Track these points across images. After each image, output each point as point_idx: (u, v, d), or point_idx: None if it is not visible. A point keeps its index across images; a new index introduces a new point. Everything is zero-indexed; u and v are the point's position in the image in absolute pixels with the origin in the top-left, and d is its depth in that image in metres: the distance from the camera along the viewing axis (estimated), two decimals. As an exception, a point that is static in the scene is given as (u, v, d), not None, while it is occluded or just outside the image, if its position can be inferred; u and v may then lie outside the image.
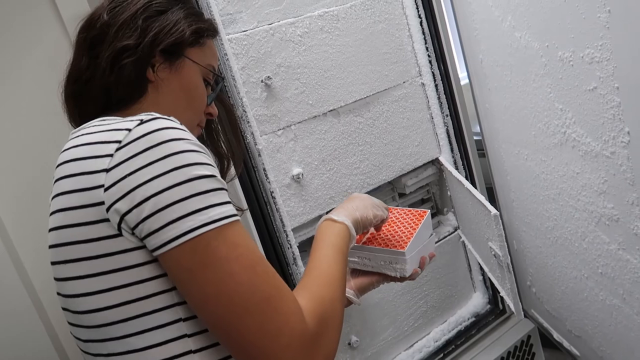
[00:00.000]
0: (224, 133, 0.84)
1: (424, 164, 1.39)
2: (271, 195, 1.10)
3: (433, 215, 1.50)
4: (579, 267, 1.13)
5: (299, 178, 1.16)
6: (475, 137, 1.44)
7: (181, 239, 0.48)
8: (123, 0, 0.64)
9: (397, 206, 1.15)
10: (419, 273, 0.83)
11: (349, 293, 0.80)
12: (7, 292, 0.95)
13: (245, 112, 1.05)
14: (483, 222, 1.19)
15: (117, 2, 0.64)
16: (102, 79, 0.61)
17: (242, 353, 0.50)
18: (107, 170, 0.49)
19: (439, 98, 1.35)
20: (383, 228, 0.86)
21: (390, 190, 1.42)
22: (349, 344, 1.28)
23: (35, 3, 0.95)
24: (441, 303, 1.45)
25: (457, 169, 1.39)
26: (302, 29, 1.15)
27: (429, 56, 1.32)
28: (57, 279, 0.54)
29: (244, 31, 1.08)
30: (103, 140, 0.51)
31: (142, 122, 0.51)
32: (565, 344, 1.33)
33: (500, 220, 1.10)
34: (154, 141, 0.49)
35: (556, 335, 1.37)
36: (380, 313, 1.34)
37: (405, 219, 0.88)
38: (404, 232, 0.84)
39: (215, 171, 0.52)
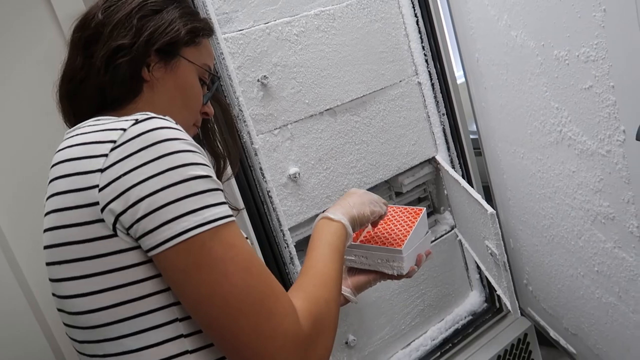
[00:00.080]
0: (220, 132, 0.84)
1: (421, 163, 1.39)
2: (268, 194, 1.09)
3: (430, 214, 1.51)
4: (575, 265, 1.13)
5: (295, 177, 1.16)
6: (471, 136, 1.44)
7: (176, 240, 0.48)
8: None
9: (393, 204, 1.15)
10: (415, 270, 0.83)
11: (346, 291, 0.80)
12: (3, 292, 0.95)
13: (242, 111, 1.05)
14: (479, 220, 1.19)
15: (111, 1, 0.64)
16: (97, 79, 0.61)
17: (236, 354, 0.50)
18: (101, 171, 0.49)
19: (435, 97, 1.35)
20: (379, 226, 0.86)
21: (387, 189, 1.42)
22: (346, 342, 1.28)
23: (30, 3, 0.94)
24: (438, 302, 1.45)
25: (453, 167, 1.39)
26: (298, 28, 1.15)
27: (425, 55, 1.32)
28: (52, 280, 0.54)
29: (240, 30, 1.08)
30: (98, 140, 0.51)
31: (137, 121, 0.51)
32: (562, 341, 1.33)
33: (496, 219, 1.11)
34: (149, 141, 0.49)
35: (553, 333, 1.37)
36: (378, 312, 1.34)
37: (402, 216, 0.88)
38: (401, 230, 0.84)
39: (210, 171, 0.52)
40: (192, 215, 0.48)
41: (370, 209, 0.77)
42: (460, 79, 1.38)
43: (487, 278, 1.40)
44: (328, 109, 1.21)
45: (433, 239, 1.42)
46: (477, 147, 1.43)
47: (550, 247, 1.21)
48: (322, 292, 0.58)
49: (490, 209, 1.11)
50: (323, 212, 0.75)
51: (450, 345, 1.42)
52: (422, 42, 1.31)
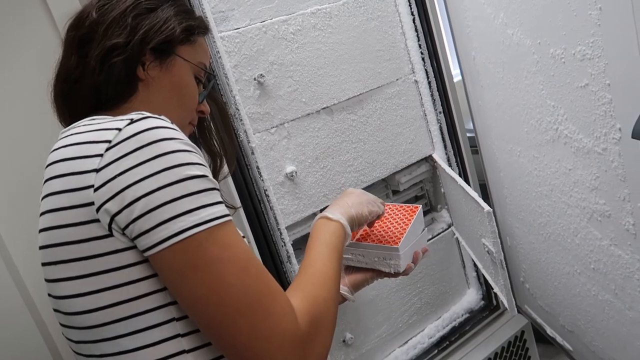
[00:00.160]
0: (216, 131, 0.84)
1: (418, 161, 1.39)
2: (265, 193, 1.09)
3: (427, 212, 1.51)
4: (571, 263, 1.13)
5: (292, 176, 1.16)
6: (468, 134, 1.44)
7: (172, 240, 0.48)
8: None
9: (390, 202, 1.15)
10: (412, 268, 0.83)
11: (343, 290, 0.80)
12: (0, 292, 0.95)
13: (238, 110, 1.05)
14: (476, 218, 1.19)
15: None
16: (92, 78, 0.61)
17: (234, 354, 0.50)
18: (97, 171, 0.49)
19: (432, 95, 1.35)
20: (376, 224, 0.86)
21: (384, 188, 1.42)
22: (344, 341, 1.29)
23: (26, 1, 0.94)
24: (435, 299, 1.45)
25: (450, 166, 1.39)
26: (295, 26, 1.14)
27: (422, 53, 1.32)
28: (47, 280, 0.54)
29: (237, 29, 1.08)
30: (93, 140, 0.51)
31: (132, 121, 0.51)
32: (559, 339, 1.34)
33: (493, 217, 1.11)
34: (145, 141, 0.49)
35: (549, 331, 1.38)
36: (375, 310, 1.34)
37: (398, 214, 0.88)
38: (397, 228, 0.84)
39: (207, 171, 0.52)
40: (189, 215, 0.48)
41: (368, 208, 0.77)
42: (457, 77, 1.38)
43: (484, 276, 1.41)
44: (325, 108, 1.21)
45: (430, 237, 1.42)
46: (473, 145, 1.43)
47: (547, 244, 1.21)
48: (320, 291, 0.58)
49: (486, 207, 1.11)
50: (321, 212, 0.75)
51: (448, 342, 1.42)
52: (418, 41, 1.31)
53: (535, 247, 1.28)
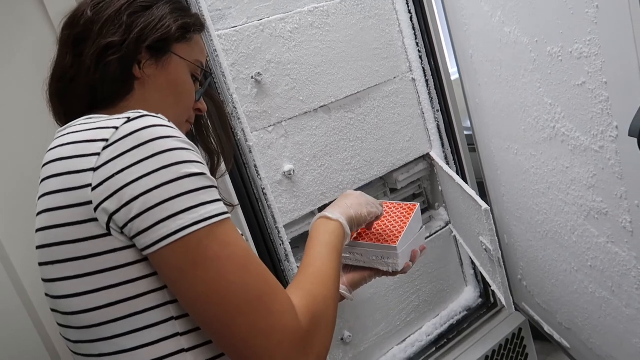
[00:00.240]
0: (213, 129, 0.84)
1: (415, 159, 1.39)
2: (262, 191, 1.09)
3: (424, 210, 1.51)
4: (568, 261, 1.14)
5: (290, 174, 1.16)
6: (465, 132, 1.45)
7: (171, 238, 0.47)
8: None
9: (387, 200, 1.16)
10: (410, 266, 0.84)
11: (342, 288, 0.80)
12: (-3, 292, 0.94)
13: (236, 108, 1.04)
14: (474, 216, 1.19)
15: None
16: (87, 77, 0.60)
17: (235, 352, 0.50)
18: (94, 169, 0.49)
19: (429, 93, 1.36)
20: (374, 223, 0.86)
21: (382, 186, 1.42)
22: (342, 339, 1.29)
23: (22, 0, 0.93)
24: (433, 297, 1.46)
25: (448, 164, 1.39)
26: (292, 24, 1.14)
27: (419, 52, 1.32)
28: (45, 280, 0.54)
29: (234, 27, 1.07)
30: (89, 138, 0.51)
31: (129, 119, 0.50)
32: (556, 336, 1.34)
33: (491, 215, 1.11)
34: (142, 139, 0.49)
35: (547, 328, 1.38)
36: (373, 308, 1.34)
37: (396, 213, 0.88)
38: (395, 227, 0.84)
39: (204, 169, 0.52)
40: (187, 213, 0.48)
41: (367, 209, 0.77)
42: (454, 76, 1.38)
43: (481, 274, 1.41)
44: (322, 106, 1.21)
45: (428, 235, 1.42)
46: (471, 143, 1.43)
47: (544, 242, 1.21)
48: (320, 290, 0.58)
49: (484, 205, 1.11)
50: (320, 211, 0.75)
51: (446, 340, 1.43)
52: (416, 39, 1.31)
53: (532, 245, 1.28)
